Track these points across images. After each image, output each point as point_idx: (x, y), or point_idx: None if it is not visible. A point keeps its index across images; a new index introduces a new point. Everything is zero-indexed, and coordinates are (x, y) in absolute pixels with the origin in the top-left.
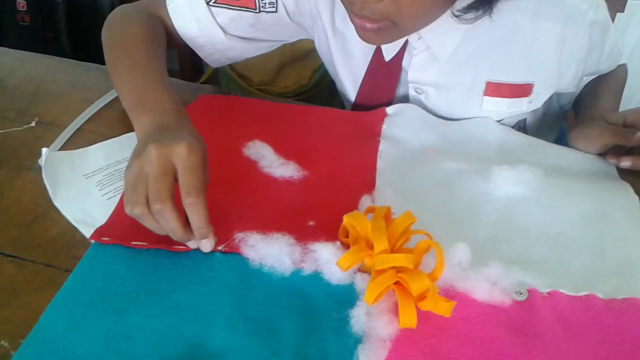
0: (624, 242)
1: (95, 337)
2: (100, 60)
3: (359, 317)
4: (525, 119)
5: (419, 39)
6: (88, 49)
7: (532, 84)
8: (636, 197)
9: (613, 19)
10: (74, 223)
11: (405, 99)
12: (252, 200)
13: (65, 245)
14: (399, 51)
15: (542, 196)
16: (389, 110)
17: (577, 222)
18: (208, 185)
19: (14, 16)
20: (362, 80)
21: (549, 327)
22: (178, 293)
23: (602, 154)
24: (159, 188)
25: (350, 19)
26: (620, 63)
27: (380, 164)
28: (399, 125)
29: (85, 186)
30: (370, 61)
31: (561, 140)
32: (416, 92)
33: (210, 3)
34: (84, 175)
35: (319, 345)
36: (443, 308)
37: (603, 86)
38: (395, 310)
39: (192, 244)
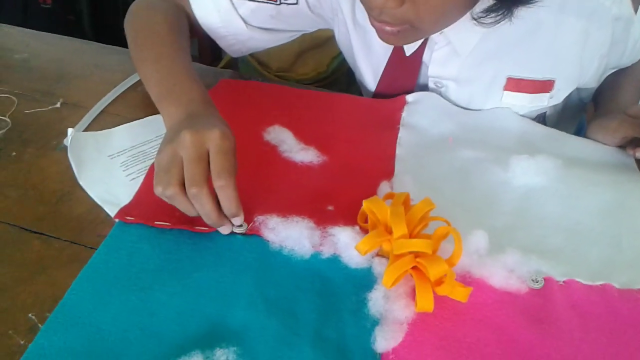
0: None
1: (119, 313)
2: (122, 43)
3: (376, 300)
4: (544, 113)
5: (440, 34)
6: (109, 32)
7: (553, 80)
8: None
9: (636, 11)
10: (98, 202)
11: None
12: (273, 184)
13: (90, 223)
14: (420, 46)
15: (561, 186)
16: (409, 98)
17: (595, 213)
18: None
19: None
20: (382, 74)
21: (564, 314)
22: (200, 272)
23: (621, 146)
24: (195, 172)
25: (370, 22)
26: None
27: (399, 151)
28: (419, 113)
29: (109, 166)
30: (391, 55)
31: (580, 132)
32: (436, 85)
33: None
34: (108, 156)
35: (337, 327)
36: (460, 293)
37: (624, 78)
38: (412, 295)
39: (224, 230)
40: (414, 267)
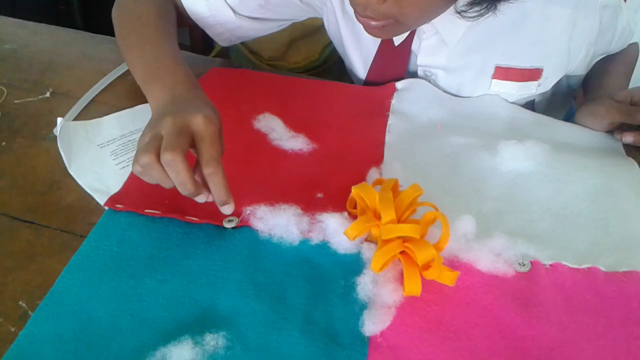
0: (629, 218)
1: (109, 300)
2: (112, 33)
3: (365, 284)
4: (533, 100)
5: (428, 23)
6: (99, 22)
7: (541, 69)
8: None
9: None
10: (88, 191)
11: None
12: (262, 172)
13: (80, 212)
14: (409, 35)
15: (549, 171)
16: (399, 85)
17: (583, 198)
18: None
19: None
20: (372, 63)
21: (551, 297)
22: (190, 260)
23: (609, 132)
24: (172, 141)
25: (356, 17)
26: (631, 42)
27: (388, 138)
28: (408, 100)
29: (99, 155)
30: (380, 45)
31: (570, 118)
32: (425, 74)
33: None
34: (98, 145)
35: (326, 310)
36: (447, 277)
37: (612, 65)
38: (400, 279)
39: (200, 198)
40: (402, 252)
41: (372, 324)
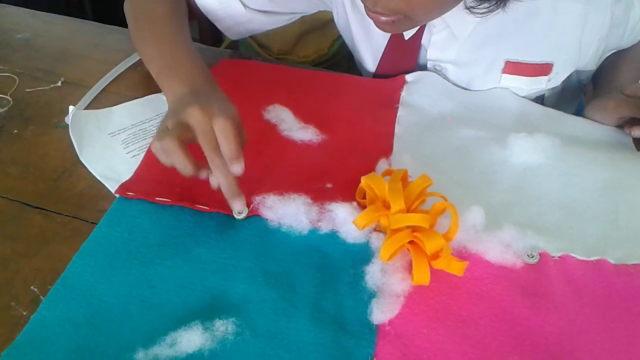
0: (639, 212)
1: (120, 286)
2: (122, 24)
3: (374, 273)
4: (543, 94)
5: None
6: (109, 13)
7: (551, 64)
8: None
9: None
10: (99, 178)
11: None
12: (272, 162)
13: (91, 199)
14: (419, 29)
15: (558, 165)
16: (408, 77)
17: (592, 191)
18: None
19: None
20: (382, 57)
21: (559, 289)
22: (200, 248)
23: (619, 126)
24: (208, 130)
25: (366, 12)
26: None
27: (398, 130)
28: (418, 92)
29: (110, 144)
30: (390, 38)
31: (580, 113)
32: (435, 69)
33: None
34: (109, 134)
35: (335, 299)
36: (456, 267)
37: (623, 60)
38: (409, 269)
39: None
40: (410, 242)
41: (381, 313)
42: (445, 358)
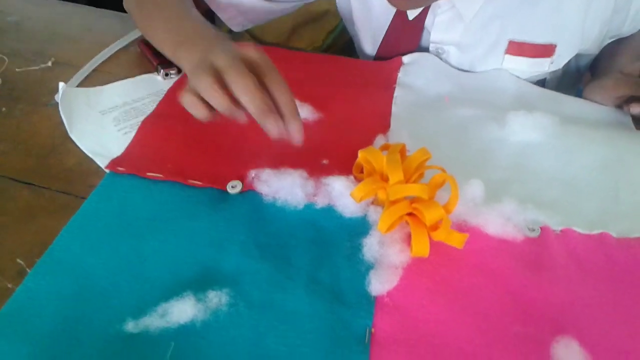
0: (639, 188)
1: (109, 259)
2: (114, 7)
3: (371, 245)
4: (544, 79)
5: None
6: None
7: (554, 45)
8: None
9: None
10: (89, 154)
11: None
12: (266, 139)
13: (81, 174)
14: (422, 10)
15: (558, 142)
16: (405, 59)
17: (592, 168)
18: (220, 127)
19: None
20: (383, 39)
21: (561, 262)
22: (193, 222)
23: (618, 107)
24: (238, 64)
25: None
26: None
27: (395, 109)
28: (415, 73)
29: (101, 121)
30: (393, 19)
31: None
32: (437, 52)
33: None
34: (100, 112)
35: (331, 271)
36: (456, 239)
37: (622, 47)
38: (407, 240)
39: (272, 125)
40: (409, 214)
41: (379, 284)
42: (445, 329)
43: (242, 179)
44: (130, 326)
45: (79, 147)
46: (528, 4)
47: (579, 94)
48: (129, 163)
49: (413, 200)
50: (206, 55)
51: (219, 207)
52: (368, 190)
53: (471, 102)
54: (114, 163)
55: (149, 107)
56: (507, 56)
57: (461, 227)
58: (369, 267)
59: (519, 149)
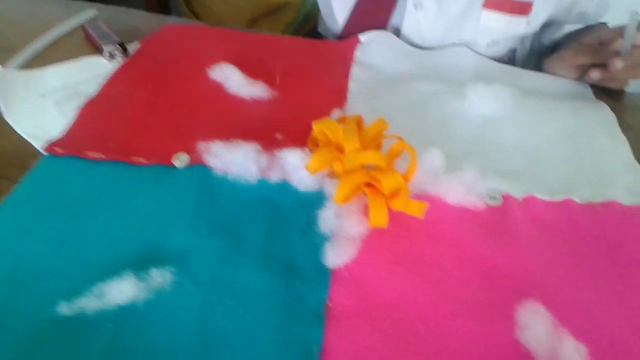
0: (602, 155)
1: (44, 242)
2: None
3: (327, 218)
4: (515, 50)
5: None
6: None
7: (531, 3)
8: (613, 114)
9: None
10: (26, 137)
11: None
12: (218, 117)
13: (16, 157)
14: None
15: (518, 114)
16: (363, 38)
17: (554, 138)
18: (168, 105)
19: None
20: (354, 8)
21: (524, 229)
22: (137, 200)
23: (578, 80)
24: None
25: None
26: (602, 22)
27: (352, 85)
28: (372, 52)
29: (40, 104)
30: None
31: None
32: (415, 7)
33: None
34: (40, 94)
35: (286, 246)
36: (415, 208)
37: (583, 32)
38: (365, 212)
39: None
40: (367, 185)
41: (336, 256)
42: (405, 300)
43: (189, 152)
44: (64, 309)
45: (15, 130)
46: None
47: None
48: (68, 144)
49: (370, 169)
50: None
51: (165, 183)
52: (323, 161)
53: (431, 78)
54: (52, 145)
55: (93, 89)
56: (485, 12)
57: (421, 197)
58: (325, 239)
59: (479, 122)
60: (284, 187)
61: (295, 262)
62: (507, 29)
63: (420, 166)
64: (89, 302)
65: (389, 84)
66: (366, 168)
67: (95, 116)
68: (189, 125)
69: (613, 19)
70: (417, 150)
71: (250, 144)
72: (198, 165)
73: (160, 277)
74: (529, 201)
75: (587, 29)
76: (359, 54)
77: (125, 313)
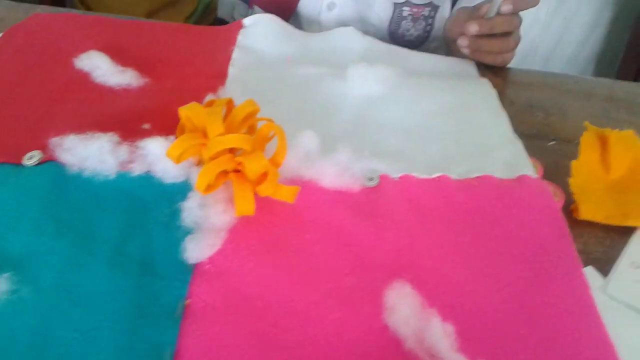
0: (482, 129)
1: None
2: None
3: (191, 209)
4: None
5: None
6: None
7: None
8: (494, 90)
9: None
10: None
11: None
12: (79, 109)
13: None
14: None
15: (400, 93)
16: (246, 21)
17: (435, 114)
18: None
19: None
20: None
21: (399, 208)
22: None
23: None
24: None
25: None
26: None
27: (232, 71)
28: (256, 35)
29: None
30: None
31: None
32: None
33: None
34: None
35: (143, 242)
36: (285, 193)
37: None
38: (233, 201)
39: None
40: (235, 172)
41: (198, 250)
42: (272, 290)
43: (43, 148)
44: None
45: None
46: None
47: None
48: None
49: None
50: None
51: (9, 183)
52: (186, 148)
53: (315, 61)
54: None
55: None
56: None
57: (295, 182)
58: (187, 233)
59: (360, 102)
60: (147, 179)
61: (153, 258)
62: None
63: (294, 149)
64: None
65: (271, 67)
66: (235, 153)
67: None
68: (46, 119)
69: None
70: (296, 134)
71: (107, 135)
72: (49, 163)
73: None
74: (405, 180)
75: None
76: (241, 38)
77: None
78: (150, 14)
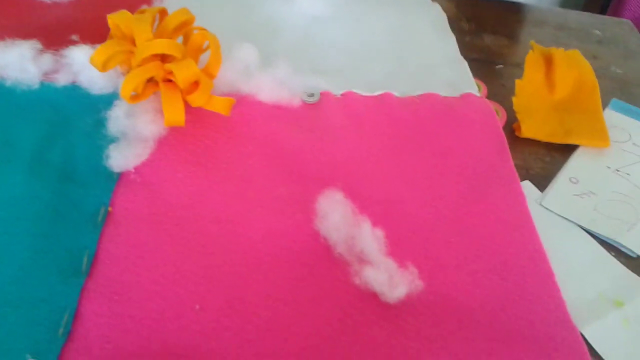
0: (427, 51)
1: None
2: None
3: (116, 118)
4: None
5: None
6: None
7: None
8: (444, 14)
9: None
10: None
11: None
12: (3, 22)
13: None
14: None
15: (347, 13)
16: None
17: (381, 33)
18: None
19: None
20: None
21: (340, 123)
22: None
23: None
24: None
25: None
26: None
27: None
28: None
29: None
30: None
31: None
32: None
33: None
34: None
35: (64, 150)
36: (219, 104)
37: None
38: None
39: None
40: (165, 81)
41: (122, 159)
42: (200, 200)
43: None
44: None
45: None
46: None
47: None
48: None
49: (166, 60)
50: None
51: None
52: (111, 54)
53: None
54: None
55: None
56: None
57: (233, 96)
58: (112, 141)
59: (306, 23)
60: (73, 90)
61: (74, 166)
62: None
63: (232, 62)
64: None
65: None
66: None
67: None
68: None
69: None
70: (233, 48)
71: (28, 42)
72: None
73: None
74: (347, 96)
75: None
76: None
77: None
78: None
